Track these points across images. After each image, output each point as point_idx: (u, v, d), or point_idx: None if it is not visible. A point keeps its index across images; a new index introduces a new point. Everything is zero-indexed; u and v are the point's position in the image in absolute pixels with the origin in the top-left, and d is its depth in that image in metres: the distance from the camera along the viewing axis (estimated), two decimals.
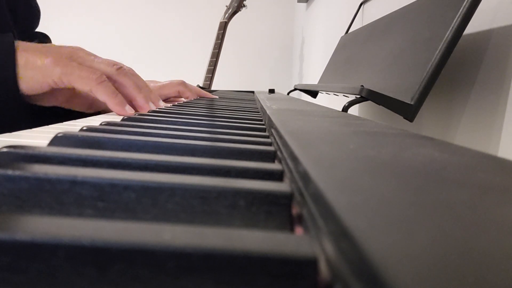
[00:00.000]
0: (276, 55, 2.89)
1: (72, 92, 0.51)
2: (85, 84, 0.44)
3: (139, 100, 0.51)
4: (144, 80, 0.55)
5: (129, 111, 0.47)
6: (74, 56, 0.47)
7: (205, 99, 0.83)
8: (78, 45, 0.50)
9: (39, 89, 0.45)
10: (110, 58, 0.51)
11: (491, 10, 0.51)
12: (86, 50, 0.50)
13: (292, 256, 0.09)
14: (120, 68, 0.50)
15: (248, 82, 2.82)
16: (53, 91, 0.46)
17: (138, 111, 0.50)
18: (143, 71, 0.73)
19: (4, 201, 0.14)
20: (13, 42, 0.44)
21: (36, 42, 0.48)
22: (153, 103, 0.53)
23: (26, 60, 0.44)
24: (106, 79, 0.46)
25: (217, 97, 0.94)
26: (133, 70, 0.53)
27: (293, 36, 2.88)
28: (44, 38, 0.72)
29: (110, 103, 0.45)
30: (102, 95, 0.45)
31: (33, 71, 0.44)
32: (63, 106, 0.53)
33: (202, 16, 2.77)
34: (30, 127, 0.33)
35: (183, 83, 0.78)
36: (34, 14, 0.68)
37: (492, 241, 0.08)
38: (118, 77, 0.49)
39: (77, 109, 0.55)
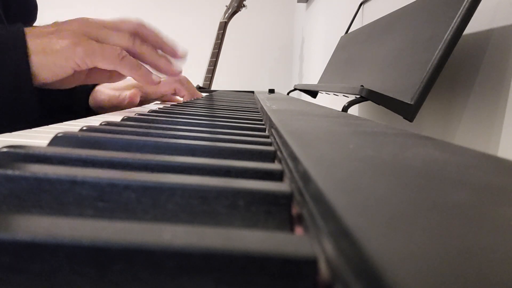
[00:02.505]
0: (276, 55, 2.89)
1: (92, 69, 0.50)
2: (109, 62, 0.44)
3: (163, 66, 0.50)
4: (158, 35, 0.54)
5: (156, 79, 0.48)
6: (89, 32, 0.45)
7: (204, 98, 0.83)
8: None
9: (63, 74, 0.44)
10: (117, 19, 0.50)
11: (491, 10, 0.51)
12: (94, 20, 0.48)
13: (292, 256, 0.09)
14: (134, 38, 0.48)
15: (248, 82, 2.82)
16: (74, 72, 0.46)
17: (168, 75, 0.51)
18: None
19: (4, 201, 0.14)
20: (23, 31, 0.42)
21: None
22: (173, 62, 0.53)
23: (42, 46, 0.42)
24: (127, 53, 0.46)
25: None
26: (141, 25, 0.51)
27: (293, 36, 2.88)
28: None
29: (136, 76, 0.46)
30: (127, 70, 0.46)
31: (53, 56, 0.42)
32: (84, 83, 0.53)
33: (202, 16, 2.77)
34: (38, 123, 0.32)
35: (180, 81, 0.77)
36: (29, 9, 0.67)
37: (492, 241, 0.08)
38: (136, 48, 0.48)
39: (98, 82, 0.56)
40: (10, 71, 0.41)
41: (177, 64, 0.54)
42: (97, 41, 0.45)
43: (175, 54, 0.53)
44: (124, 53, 0.46)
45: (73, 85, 0.51)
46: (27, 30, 0.43)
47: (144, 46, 0.49)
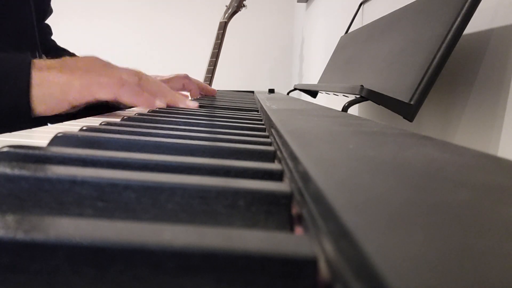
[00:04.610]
0: (276, 55, 2.89)
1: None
2: (107, 91, 0.42)
3: (172, 99, 0.51)
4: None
5: (161, 104, 0.46)
6: (93, 67, 0.44)
7: (204, 98, 0.84)
8: (88, 53, 0.48)
9: (60, 108, 0.42)
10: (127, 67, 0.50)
11: (491, 10, 0.51)
12: (103, 60, 0.47)
13: (292, 256, 0.09)
14: (141, 76, 0.48)
15: (248, 82, 2.82)
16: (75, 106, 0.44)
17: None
18: (143, 71, 0.73)
19: (4, 201, 0.14)
20: (29, 63, 0.41)
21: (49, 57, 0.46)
22: (182, 101, 0.53)
23: (42, 79, 0.41)
24: (127, 82, 0.44)
25: (215, 90, 0.98)
26: (154, 77, 0.52)
27: (293, 36, 2.88)
28: (62, 52, 0.72)
29: (138, 102, 0.44)
30: (127, 97, 0.43)
31: (50, 89, 0.41)
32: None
33: (202, 16, 2.77)
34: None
35: (187, 76, 0.81)
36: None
37: (492, 241, 0.08)
38: (141, 84, 0.47)
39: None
40: (10, 102, 0.40)
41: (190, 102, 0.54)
42: (98, 73, 0.43)
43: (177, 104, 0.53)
44: (125, 80, 0.44)
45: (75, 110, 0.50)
46: (36, 62, 0.42)
47: (150, 84, 0.48)
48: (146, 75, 0.50)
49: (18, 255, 0.09)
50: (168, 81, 0.76)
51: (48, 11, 0.70)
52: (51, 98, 0.41)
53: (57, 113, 0.43)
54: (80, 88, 0.41)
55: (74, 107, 0.44)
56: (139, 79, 0.47)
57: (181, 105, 0.52)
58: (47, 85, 0.41)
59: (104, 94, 0.42)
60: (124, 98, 0.43)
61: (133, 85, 0.44)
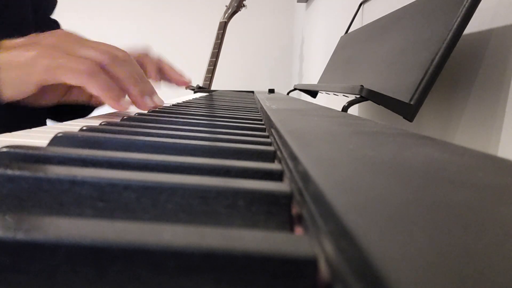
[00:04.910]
0: (276, 55, 2.89)
1: (68, 85, 0.45)
2: (75, 77, 0.37)
3: (134, 94, 0.44)
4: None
5: (125, 105, 0.41)
6: (62, 44, 0.40)
7: (204, 98, 0.81)
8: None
9: (27, 91, 0.38)
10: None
11: (491, 10, 0.51)
12: (76, 35, 0.42)
13: (292, 256, 0.09)
14: (113, 56, 0.42)
15: (248, 82, 2.82)
16: (45, 89, 0.40)
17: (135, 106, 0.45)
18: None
19: (4, 201, 0.14)
20: None
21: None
22: (149, 96, 0.47)
23: (8, 60, 0.37)
24: (99, 69, 0.39)
25: (187, 81, 0.69)
26: (128, 56, 0.45)
27: (293, 36, 2.88)
28: (54, 25, 0.67)
29: (104, 97, 0.40)
30: (95, 88, 0.39)
31: (16, 71, 0.37)
32: (64, 102, 0.48)
33: (202, 16, 2.77)
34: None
35: (145, 53, 0.65)
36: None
37: (492, 241, 0.08)
38: (111, 67, 0.41)
39: (81, 101, 0.50)
40: None
41: (153, 100, 0.47)
42: (68, 54, 0.39)
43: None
44: (96, 68, 0.39)
45: (53, 102, 0.46)
46: (3, 43, 0.39)
47: (122, 68, 0.42)
48: (123, 55, 0.44)
49: (18, 255, 0.09)
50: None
51: (49, 3, 0.66)
52: (16, 81, 0.38)
53: (26, 96, 0.39)
54: (43, 69, 0.37)
55: (46, 93, 0.40)
56: (110, 59, 0.41)
57: (141, 107, 0.46)
58: (13, 67, 0.37)
59: (69, 80, 0.38)
60: (91, 89, 0.39)
61: (104, 77, 0.39)
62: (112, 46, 0.44)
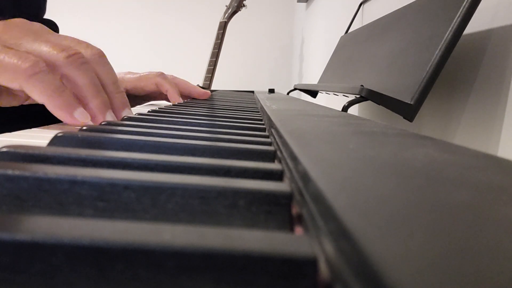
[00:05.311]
0: (276, 55, 2.89)
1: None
2: (8, 78, 0.29)
3: (91, 107, 0.34)
4: (116, 72, 0.39)
5: (81, 119, 0.32)
6: (6, 36, 0.32)
7: (204, 98, 0.79)
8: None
9: None
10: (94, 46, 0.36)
11: (491, 9, 0.51)
12: (39, 27, 0.34)
13: (292, 256, 0.09)
14: (73, 54, 0.32)
15: (248, 82, 2.82)
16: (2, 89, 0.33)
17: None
18: (143, 71, 0.72)
19: (4, 201, 0.14)
20: None
21: None
22: (114, 111, 0.37)
23: None
24: (45, 69, 0.30)
25: (208, 93, 0.77)
26: (99, 56, 0.36)
27: (293, 36, 2.88)
28: (51, 26, 0.64)
29: (49, 105, 0.30)
30: (35, 93, 0.30)
31: None
32: (29, 102, 0.38)
33: (202, 16, 2.77)
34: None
35: (161, 75, 0.65)
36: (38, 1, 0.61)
37: (492, 241, 0.08)
38: (66, 69, 0.32)
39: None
40: None
41: (120, 115, 0.38)
42: (9, 48, 0.31)
43: (94, 118, 0.35)
44: (40, 67, 0.30)
45: (13, 105, 0.37)
46: None
47: (81, 71, 0.33)
48: (91, 54, 0.35)
49: (18, 255, 0.09)
50: (138, 79, 0.65)
51: (40, 10, 0.63)
52: None
53: None
54: None
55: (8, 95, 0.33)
56: (67, 58, 0.32)
57: (100, 117, 0.35)
58: None
59: (5, 80, 0.30)
60: (31, 93, 0.30)
61: (50, 78, 0.30)
62: (81, 41, 0.35)
